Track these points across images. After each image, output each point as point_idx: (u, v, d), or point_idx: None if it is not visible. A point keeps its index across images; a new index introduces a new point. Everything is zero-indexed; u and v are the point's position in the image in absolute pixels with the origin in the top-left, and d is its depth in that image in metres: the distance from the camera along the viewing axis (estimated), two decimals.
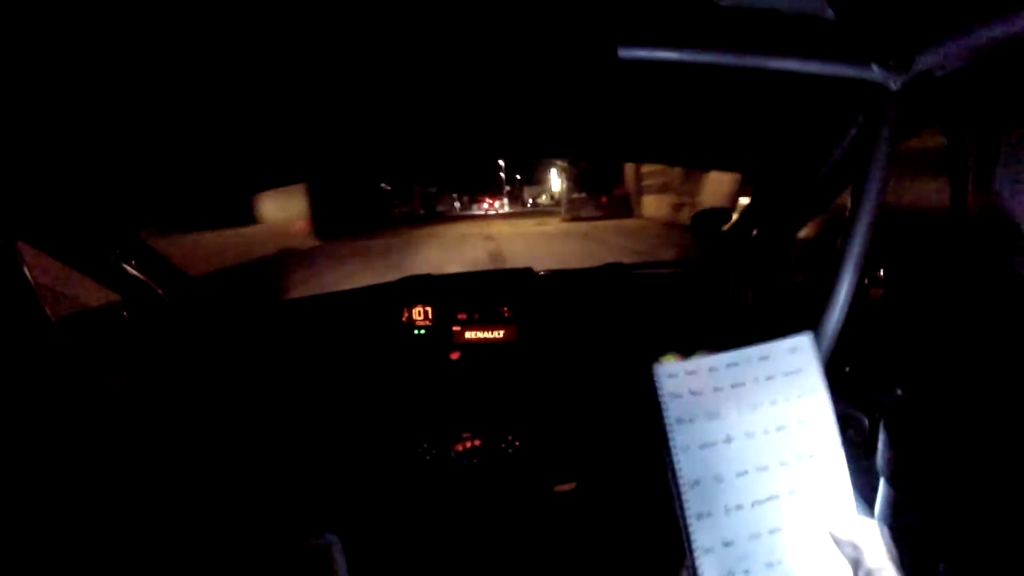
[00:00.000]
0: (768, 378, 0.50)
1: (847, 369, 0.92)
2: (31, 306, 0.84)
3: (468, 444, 1.47)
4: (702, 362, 0.51)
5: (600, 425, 1.48)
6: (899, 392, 0.80)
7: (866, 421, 0.82)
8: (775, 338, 0.53)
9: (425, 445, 1.47)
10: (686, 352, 0.55)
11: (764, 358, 0.51)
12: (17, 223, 0.87)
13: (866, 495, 0.76)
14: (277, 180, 1.26)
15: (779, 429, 0.49)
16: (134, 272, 1.15)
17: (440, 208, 32.75)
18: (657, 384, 0.49)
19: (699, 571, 0.44)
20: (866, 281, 1.07)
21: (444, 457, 1.46)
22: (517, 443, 1.48)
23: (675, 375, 0.50)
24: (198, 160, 1.07)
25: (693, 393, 0.49)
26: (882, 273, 1.02)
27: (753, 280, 1.34)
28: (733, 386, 0.50)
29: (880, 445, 0.78)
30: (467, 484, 1.47)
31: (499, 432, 1.48)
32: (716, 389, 0.49)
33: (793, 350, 0.51)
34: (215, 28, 0.65)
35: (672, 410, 0.48)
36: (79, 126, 0.81)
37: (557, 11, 0.67)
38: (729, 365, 0.51)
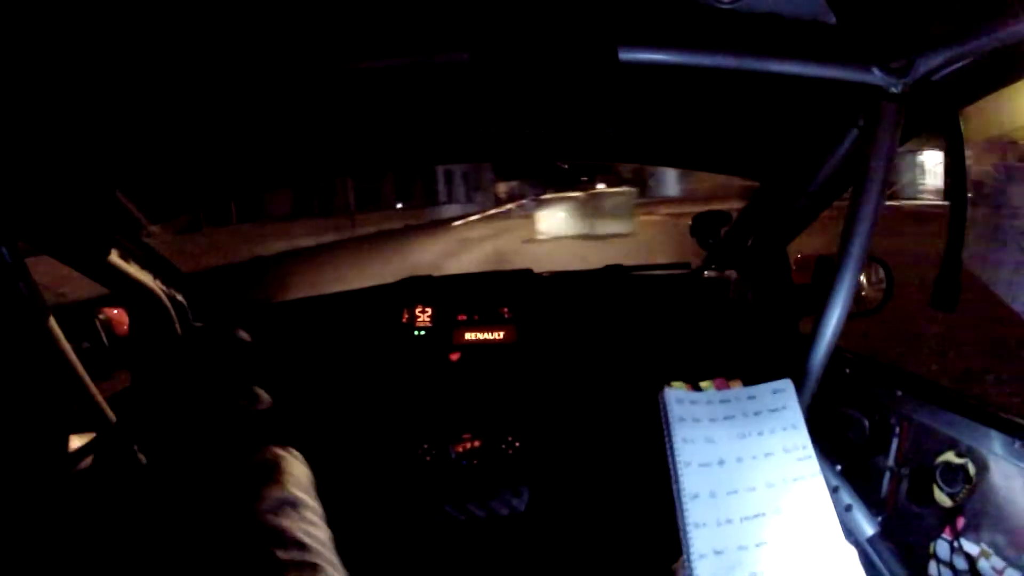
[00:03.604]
0: (756, 413, 0.59)
1: (847, 370, 0.93)
2: (35, 309, 0.83)
3: (468, 445, 1.47)
4: (701, 395, 0.59)
5: (600, 426, 1.49)
6: (899, 392, 0.80)
7: (866, 422, 0.82)
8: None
9: (425, 446, 1.47)
10: (692, 382, 0.61)
11: (752, 397, 0.60)
12: (19, 224, 0.87)
13: (868, 493, 0.76)
14: (281, 180, 1.26)
15: (766, 456, 0.56)
16: (134, 274, 1.15)
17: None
18: (667, 407, 0.57)
19: (694, 573, 0.50)
20: (864, 282, 1.07)
21: (444, 458, 1.46)
22: (517, 444, 1.47)
23: (682, 401, 0.58)
24: (198, 160, 1.07)
25: (695, 420, 0.57)
26: (882, 274, 1.03)
27: (754, 282, 1.34)
28: (726, 418, 0.58)
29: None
30: (467, 484, 1.47)
31: (499, 433, 1.48)
32: (712, 420, 0.58)
33: (776, 392, 0.60)
34: (215, 30, 0.65)
35: (678, 431, 0.56)
36: (77, 127, 0.81)
37: (559, 13, 0.67)
38: (722, 401, 0.59)
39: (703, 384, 0.61)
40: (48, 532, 0.77)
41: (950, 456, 0.67)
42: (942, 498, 0.67)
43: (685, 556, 0.50)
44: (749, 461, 0.55)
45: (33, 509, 0.78)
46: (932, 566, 0.67)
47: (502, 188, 26.12)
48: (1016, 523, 0.60)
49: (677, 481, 0.53)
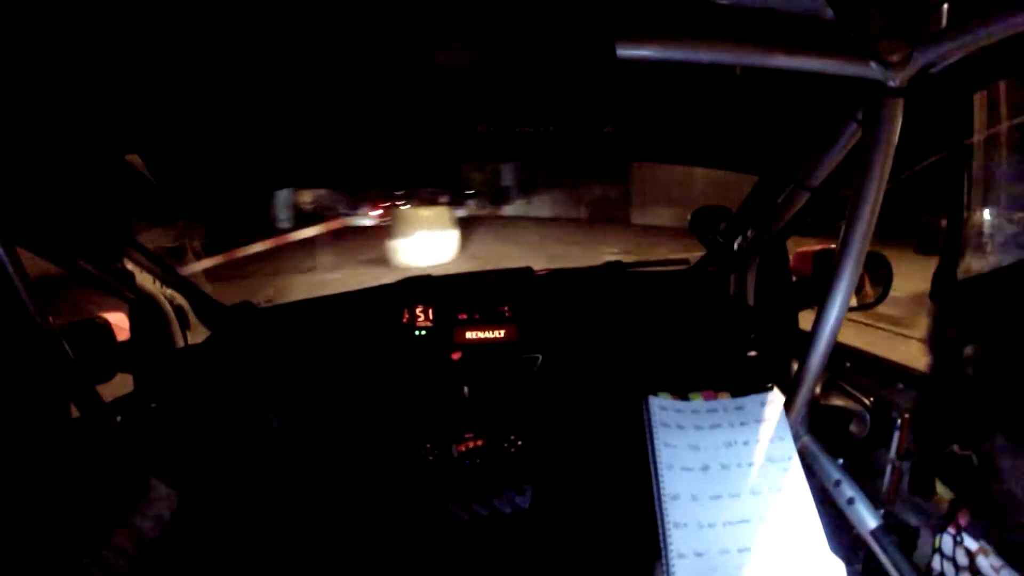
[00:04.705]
0: (742, 423, 0.60)
1: (848, 364, 0.93)
2: (31, 311, 0.83)
3: (471, 444, 1.47)
4: (688, 405, 0.61)
5: (602, 423, 1.49)
6: (900, 386, 0.80)
7: (868, 415, 0.83)
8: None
9: (428, 446, 1.47)
10: (679, 394, 0.63)
11: (739, 408, 0.61)
12: (17, 228, 0.87)
13: (870, 486, 0.76)
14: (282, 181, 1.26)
15: (751, 464, 0.57)
16: (133, 277, 1.15)
17: None
18: (651, 412, 0.59)
19: (672, 573, 0.51)
20: (866, 278, 1.07)
21: (447, 457, 1.46)
22: (520, 442, 1.48)
23: (666, 408, 0.60)
24: (200, 163, 1.07)
25: (679, 427, 0.59)
26: (881, 268, 1.03)
27: (753, 278, 1.34)
28: (712, 426, 0.59)
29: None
30: (470, 483, 1.47)
31: (501, 431, 1.48)
32: (697, 427, 0.59)
33: (764, 403, 0.62)
34: (217, 31, 0.65)
35: (661, 435, 0.58)
36: (77, 130, 0.81)
37: (557, 10, 0.67)
38: (709, 410, 0.61)
39: (692, 395, 0.63)
40: (49, 533, 0.77)
41: (952, 449, 0.67)
42: (944, 491, 0.67)
43: (664, 555, 0.52)
44: (734, 468, 0.57)
45: (34, 511, 0.78)
46: (936, 560, 0.68)
47: (307, 197, 16.67)
48: (1017, 520, 0.60)
49: (657, 483, 0.55)
